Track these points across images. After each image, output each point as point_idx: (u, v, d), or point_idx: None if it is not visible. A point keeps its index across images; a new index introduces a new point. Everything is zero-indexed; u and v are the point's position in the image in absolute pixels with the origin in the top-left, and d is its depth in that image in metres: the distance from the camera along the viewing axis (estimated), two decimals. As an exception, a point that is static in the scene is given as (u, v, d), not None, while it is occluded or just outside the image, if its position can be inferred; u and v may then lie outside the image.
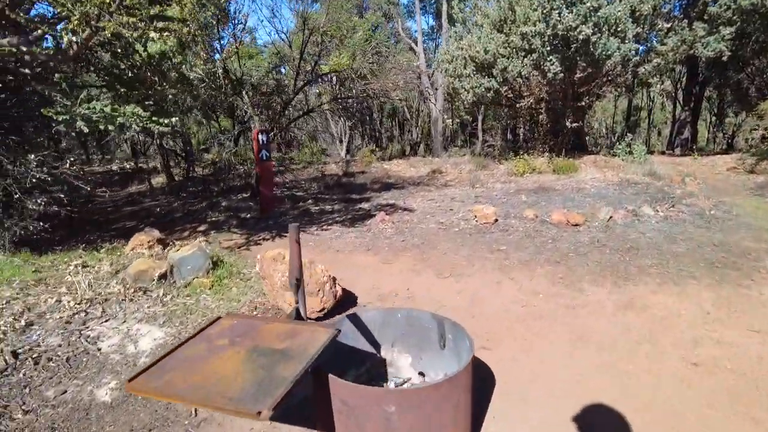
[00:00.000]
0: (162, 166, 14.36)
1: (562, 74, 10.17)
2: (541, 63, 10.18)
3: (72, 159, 4.87)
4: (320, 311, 3.62)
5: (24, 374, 2.95)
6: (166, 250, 5.63)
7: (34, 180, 4.83)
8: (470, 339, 2.26)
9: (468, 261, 4.95)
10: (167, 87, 4.45)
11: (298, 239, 2.39)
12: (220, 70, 8.47)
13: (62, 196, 5.13)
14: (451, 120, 22.33)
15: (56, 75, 4.04)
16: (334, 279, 3.76)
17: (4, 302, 4.01)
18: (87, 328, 3.55)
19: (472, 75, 11.92)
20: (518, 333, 3.45)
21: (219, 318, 2.33)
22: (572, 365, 3.00)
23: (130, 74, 4.41)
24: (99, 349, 3.28)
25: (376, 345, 2.66)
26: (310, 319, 3.71)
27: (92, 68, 4.45)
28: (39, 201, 5.23)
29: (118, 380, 2.95)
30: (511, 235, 5.65)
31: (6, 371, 2.96)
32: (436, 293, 4.22)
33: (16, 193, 4.98)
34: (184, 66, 4.31)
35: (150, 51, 4.96)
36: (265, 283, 3.94)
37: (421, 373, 2.64)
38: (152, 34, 3.36)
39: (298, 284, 1.92)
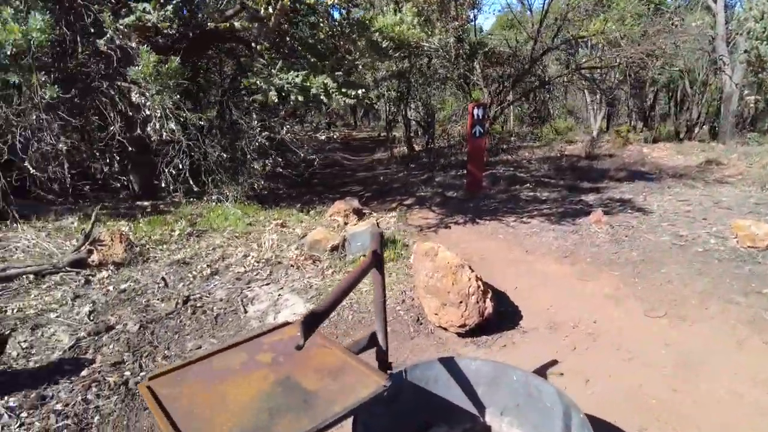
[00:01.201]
0: (404, 137, 15.12)
1: None
2: None
3: (288, 126, 5.30)
4: (460, 326, 3.01)
5: (180, 321, 3.27)
6: (358, 221, 5.75)
7: (257, 143, 5.42)
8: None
9: (701, 299, 3.50)
10: (358, 56, 4.36)
11: (379, 249, 1.87)
12: (452, 39, 8.12)
13: (279, 159, 5.68)
14: (754, 97, 17.09)
15: (258, 46, 4.38)
16: (485, 291, 3.06)
17: (210, 249, 4.64)
18: (249, 288, 3.77)
19: (790, 36, 8.67)
20: (745, 440, 2.18)
21: (287, 324, 2.01)
22: None
23: (324, 40, 4.47)
24: (245, 312, 3.43)
25: (480, 405, 1.96)
26: (448, 331, 3.14)
27: (289, 38, 4.70)
28: (266, 162, 5.90)
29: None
30: (792, 273, 3.79)
31: (171, 314, 3.34)
32: (632, 337, 3.08)
33: (247, 154, 5.70)
34: (377, 35, 4.09)
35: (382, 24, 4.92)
36: (415, 279, 3.51)
37: (537, 465, 1.84)
38: (329, 1, 3.23)
39: (311, 323, 1.39)
